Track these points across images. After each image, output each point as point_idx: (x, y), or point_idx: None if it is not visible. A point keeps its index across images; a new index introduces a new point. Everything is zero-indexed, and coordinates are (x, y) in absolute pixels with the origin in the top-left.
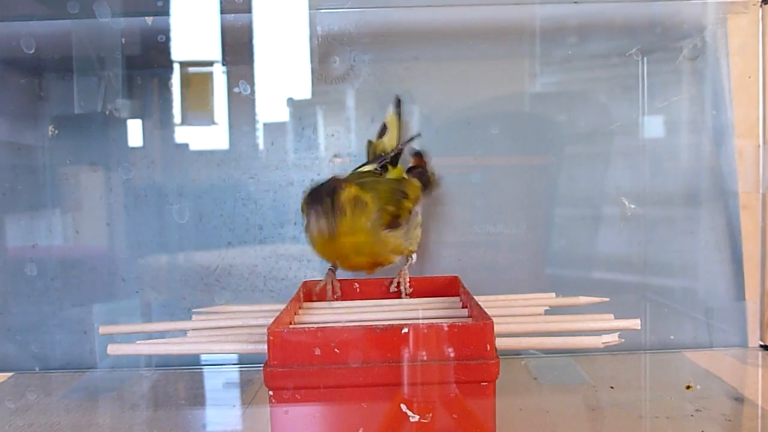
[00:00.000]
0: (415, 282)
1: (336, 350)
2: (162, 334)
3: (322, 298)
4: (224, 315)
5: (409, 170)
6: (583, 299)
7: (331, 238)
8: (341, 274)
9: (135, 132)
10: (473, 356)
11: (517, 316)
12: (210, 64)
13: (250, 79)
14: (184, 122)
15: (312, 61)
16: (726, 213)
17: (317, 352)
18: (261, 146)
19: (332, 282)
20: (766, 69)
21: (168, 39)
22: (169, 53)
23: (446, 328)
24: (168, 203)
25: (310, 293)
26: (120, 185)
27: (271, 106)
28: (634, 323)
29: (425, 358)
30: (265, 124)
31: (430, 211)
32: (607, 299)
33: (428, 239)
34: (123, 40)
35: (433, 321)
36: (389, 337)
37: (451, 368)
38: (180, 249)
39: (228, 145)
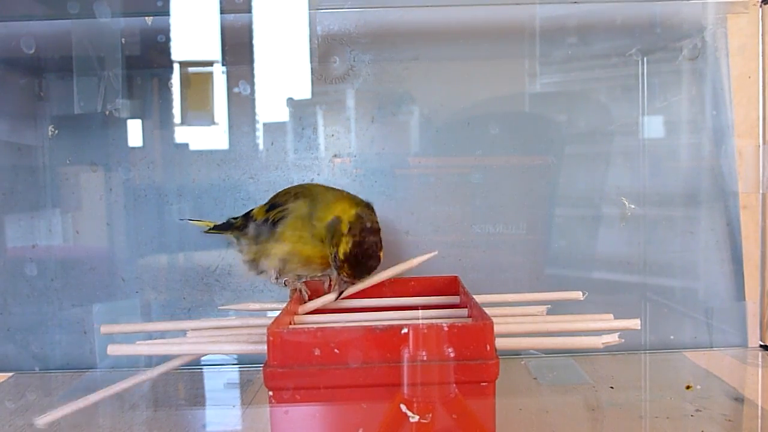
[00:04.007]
0: (415, 282)
1: (336, 350)
2: (162, 334)
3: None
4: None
5: None
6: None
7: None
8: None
9: (135, 132)
10: (473, 356)
11: (517, 316)
12: (210, 64)
13: (250, 79)
14: (184, 122)
15: (312, 61)
16: (726, 213)
17: (317, 352)
18: (261, 146)
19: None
20: (766, 69)
21: (168, 39)
22: (169, 53)
23: (446, 328)
24: (168, 203)
25: (310, 293)
26: (120, 185)
27: (271, 106)
28: (634, 323)
29: (425, 358)
30: (265, 124)
31: (430, 211)
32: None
33: (428, 239)
34: (123, 40)
35: (433, 321)
36: (389, 337)
37: (450, 368)
38: (180, 249)
39: (228, 145)
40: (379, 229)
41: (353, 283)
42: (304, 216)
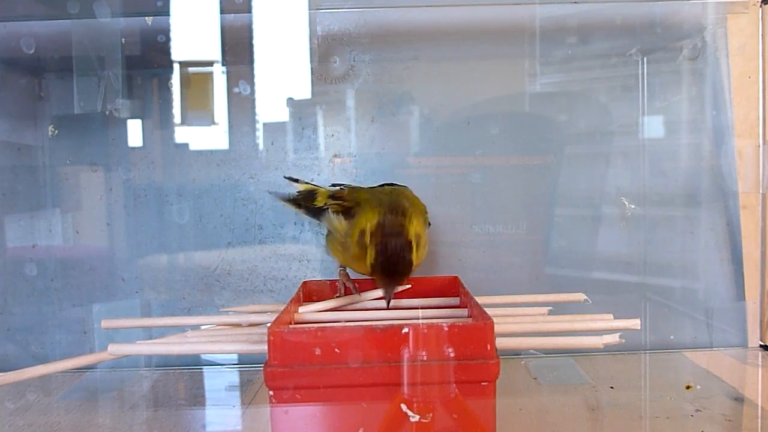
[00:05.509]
0: (415, 282)
1: (336, 350)
2: (162, 334)
3: (348, 292)
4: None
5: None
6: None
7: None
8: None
9: (135, 132)
10: (473, 356)
11: (518, 316)
12: (210, 64)
13: (250, 79)
14: (184, 122)
15: (312, 61)
16: (726, 213)
17: (317, 351)
18: (261, 146)
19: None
20: (766, 69)
21: (168, 39)
22: (169, 53)
23: (446, 328)
24: (168, 203)
25: (310, 293)
26: (120, 185)
27: (271, 106)
28: (634, 323)
29: (425, 358)
30: (265, 124)
31: (431, 211)
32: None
33: (428, 239)
34: (123, 40)
35: (433, 321)
36: (389, 337)
37: (451, 368)
38: (180, 249)
39: (228, 145)
40: (403, 231)
41: (392, 289)
42: (343, 232)
